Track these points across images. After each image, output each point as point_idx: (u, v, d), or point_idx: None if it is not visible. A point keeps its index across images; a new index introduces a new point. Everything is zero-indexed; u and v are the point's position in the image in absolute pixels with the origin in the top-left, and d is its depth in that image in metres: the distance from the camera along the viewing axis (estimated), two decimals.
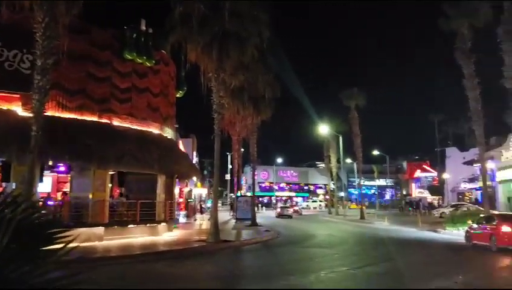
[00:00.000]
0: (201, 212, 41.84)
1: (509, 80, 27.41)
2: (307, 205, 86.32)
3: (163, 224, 24.43)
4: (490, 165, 44.82)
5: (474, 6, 28.65)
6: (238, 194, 50.12)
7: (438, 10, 30.36)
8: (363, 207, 50.48)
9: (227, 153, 57.20)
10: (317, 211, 73.46)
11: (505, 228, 18.15)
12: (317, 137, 60.91)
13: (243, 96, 30.23)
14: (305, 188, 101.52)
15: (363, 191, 73.22)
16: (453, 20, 29.38)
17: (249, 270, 14.67)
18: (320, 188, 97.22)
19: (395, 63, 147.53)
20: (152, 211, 23.27)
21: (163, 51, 25.45)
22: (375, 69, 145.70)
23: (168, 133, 26.49)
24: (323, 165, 72.69)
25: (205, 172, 60.55)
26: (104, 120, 21.78)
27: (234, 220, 38.12)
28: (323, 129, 56.41)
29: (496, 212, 30.28)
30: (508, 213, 27.54)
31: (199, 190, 56.69)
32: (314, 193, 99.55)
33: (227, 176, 61.57)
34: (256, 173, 40.33)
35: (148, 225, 22.96)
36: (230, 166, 59.95)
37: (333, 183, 66.61)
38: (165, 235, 23.66)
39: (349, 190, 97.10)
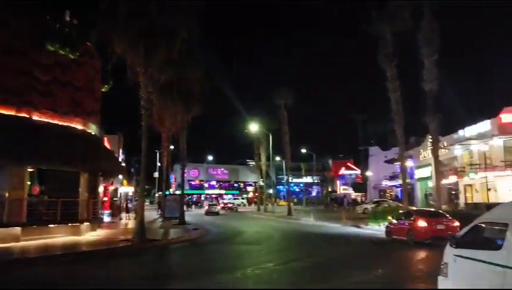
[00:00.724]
0: (128, 211, 40.52)
1: (427, 83, 28.99)
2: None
3: (86, 223, 23.47)
4: (409, 163, 47.50)
5: (396, 11, 29.93)
6: (167, 192, 49.22)
7: (364, 14, 31.43)
8: (291, 204, 51.63)
9: (156, 151, 56.05)
10: (246, 208, 73.88)
11: (421, 223, 19.23)
12: (248, 135, 61.39)
13: (172, 92, 29.58)
14: (236, 185, 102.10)
15: (291, 188, 74.90)
16: (376, 24, 30.55)
17: (175, 269, 14.42)
18: (250, 185, 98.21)
19: (324, 64, 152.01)
20: (74, 210, 22.35)
21: (88, 44, 24.36)
22: (305, 70, 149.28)
23: (93, 129, 25.41)
24: (253, 162, 73.42)
25: (132, 170, 58.78)
26: (22, 114, 20.49)
27: (162, 219, 37.42)
28: (254, 127, 56.98)
29: (414, 208, 32.13)
30: (425, 209, 29.32)
31: (126, 189, 55.04)
32: (244, 191, 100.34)
33: (156, 174, 60.39)
34: (186, 170, 39.84)
35: (70, 224, 22.03)
36: (159, 164, 58.76)
37: (262, 181, 67.48)
38: (88, 235, 22.75)
39: (278, 187, 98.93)
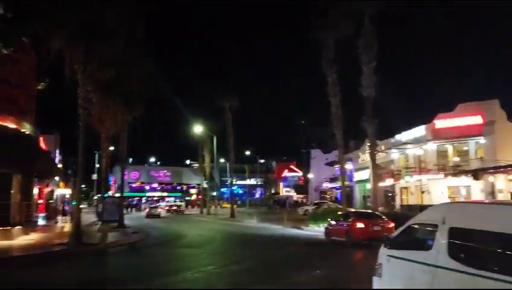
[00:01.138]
0: (64, 214, 38.91)
1: (366, 89, 30.01)
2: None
3: (18, 227, 22.28)
4: (349, 166, 48.96)
5: (338, 19, 30.74)
6: (106, 194, 47.69)
7: (307, 20, 32.00)
8: (234, 206, 51.67)
9: (95, 152, 54.23)
10: (189, 211, 72.97)
11: (359, 224, 19.84)
12: (192, 137, 60.84)
13: (112, 91, 28.70)
14: (178, 188, 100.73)
15: (235, 190, 74.90)
16: (319, 31, 31.23)
17: (111, 274, 13.95)
18: (194, 187, 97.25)
19: (269, 68, 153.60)
20: (6, 213, 21.30)
21: (23, 39, 23.13)
22: (251, 73, 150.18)
23: (27, 128, 24.14)
24: (197, 164, 72.81)
25: (69, 171, 56.45)
26: None
27: (100, 222, 36.22)
28: (198, 129, 56.56)
29: (352, 209, 33.09)
30: (362, 211, 30.26)
31: (62, 191, 52.74)
32: (187, 193, 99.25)
33: (94, 176, 58.35)
34: (126, 172, 38.81)
35: (0, 228, 20.73)
36: (98, 165, 56.84)
37: (206, 183, 67.04)
38: (20, 239, 21.59)
39: (222, 189, 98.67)
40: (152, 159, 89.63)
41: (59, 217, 39.28)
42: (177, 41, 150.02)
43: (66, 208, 45.10)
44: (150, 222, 41.87)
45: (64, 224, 34.38)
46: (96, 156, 54.80)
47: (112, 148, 46.22)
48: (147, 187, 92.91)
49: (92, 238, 23.49)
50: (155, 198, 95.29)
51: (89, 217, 43.01)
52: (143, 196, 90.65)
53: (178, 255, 18.52)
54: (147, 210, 56.32)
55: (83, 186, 53.52)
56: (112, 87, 28.08)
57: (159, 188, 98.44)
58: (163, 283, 11.73)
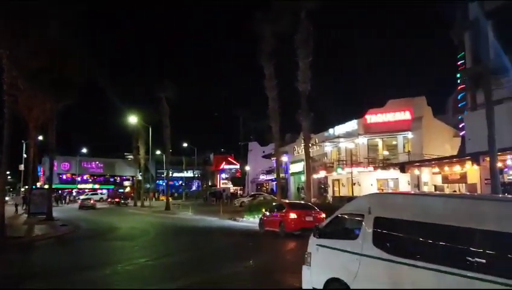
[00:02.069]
0: None
1: (301, 84, 30.54)
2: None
3: None
4: (284, 159, 49.72)
5: (277, 13, 30.95)
6: (34, 186, 45.30)
7: (247, 12, 32.04)
8: (170, 198, 50.94)
9: (23, 141, 51.33)
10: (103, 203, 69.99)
11: (292, 215, 20.26)
12: (127, 127, 59.10)
13: (41, 78, 27.19)
14: (112, 180, 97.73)
15: (172, 183, 73.86)
16: (257, 23, 31.32)
17: (36, 267, 13.26)
18: (128, 179, 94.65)
19: (208, 59, 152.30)
20: None
21: None
22: (189, 64, 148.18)
23: None
24: (131, 156, 70.87)
25: None
26: None
27: (27, 215, 34.42)
28: (133, 120, 55.03)
29: (287, 201, 33.68)
30: (296, 202, 30.90)
31: None
32: (121, 185, 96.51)
33: (22, 167, 55.24)
34: (55, 163, 37.04)
35: None
36: (25, 155, 53.81)
37: (141, 175, 65.52)
38: None
39: (158, 181, 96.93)
40: (84, 150, 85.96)
41: None
42: (113, 30, 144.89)
43: None
44: (81, 214, 40.36)
45: None
46: (24, 145, 51.87)
47: (40, 137, 44.00)
48: (78, 179, 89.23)
49: (17, 231, 22.49)
50: (86, 190, 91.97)
51: (14, 209, 40.88)
52: (74, 188, 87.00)
53: (109, 247, 17.99)
54: (79, 202, 54.25)
55: (9, 177, 50.59)
56: (40, 74, 26.60)
57: (90, 180, 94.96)
58: (92, 277, 11.36)
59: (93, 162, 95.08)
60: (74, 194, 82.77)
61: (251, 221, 28.27)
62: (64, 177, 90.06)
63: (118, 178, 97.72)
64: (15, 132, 21.00)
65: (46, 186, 42.07)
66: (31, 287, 10.66)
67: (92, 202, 53.07)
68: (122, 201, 63.88)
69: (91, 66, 33.37)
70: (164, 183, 77.99)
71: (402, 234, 6.15)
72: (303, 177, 43.69)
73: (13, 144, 21.34)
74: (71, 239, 21.34)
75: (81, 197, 61.67)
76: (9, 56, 19.29)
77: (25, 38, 19.52)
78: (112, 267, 12.73)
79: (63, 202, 70.10)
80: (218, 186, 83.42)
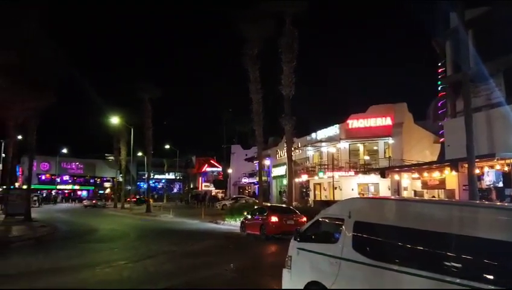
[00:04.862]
0: None
1: (285, 88, 30.65)
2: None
3: None
4: (267, 162, 49.89)
5: (261, 16, 31.00)
6: (12, 187, 44.53)
7: (232, 15, 31.84)
8: (151, 200, 50.59)
9: (1, 140, 50.37)
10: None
11: (273, 218, 20.30)
12: (108, 128, 58.47)
13: (20, 76, 26.73)
14: (92, 181, 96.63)
15: (153, 185, 73.24)
16: (243, 26, 31.36)
17: (12, 269, 12.99)
18: (108, 181, 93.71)
19: (190, 61, 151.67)
20: None
21: None
22: (171, 66, 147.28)
23: None
24: (112, 157, 70.21)
25: None
26: None
27: (4, 216, 33.81)
28: (115, 120, 54.46)
29: (268, 204, 33.74)
30: (277, 205, 30.98)
31: None
32: (101, 186, 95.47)
33: None
34: (35, 163, 36.46)
35: None
36: (3, 155, 52.81)
37: (121, 176, 64.90)
38: None
39: (139, 183, 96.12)
40: (64, 150, 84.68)
41: None
42: (95, 28, 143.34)
43: None
44: (60, 216, 39.80)
45: None
46: (2, 144, 50.92)
47: (20, 137, 43.27)
48: (58, 179, 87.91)
49: None
50: (66, 191, 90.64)
51: None
52: (53, 189, 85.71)
53: (88, 249, 17.74)
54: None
55: None
56: (17, 72, 26.15)
57: (70, 181, 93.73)
58: (70, 279, 11.21)
59: (73, 163, 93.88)
60: (53, 194, 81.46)
61: (233, 224, 28.24)
62: (43, 177, 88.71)
63: (99, 179, 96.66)
64: None
65: (25, 187, 41.44)
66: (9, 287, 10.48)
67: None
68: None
69: (71, 65, 33.00)
70: (145, 185, 77.37)
71: (381, 238, 6.22)
72: (285, 181, 43.87)
73: None
74: (50, 241, 21.03)
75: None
76: None
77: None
78: (91, 269, 12.59)
79: (53, 202, 70.40)
80: (200, 189, 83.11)
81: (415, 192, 29.49)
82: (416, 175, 27.36)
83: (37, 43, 25.12)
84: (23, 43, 21.66)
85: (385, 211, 6.56)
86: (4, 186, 47.90)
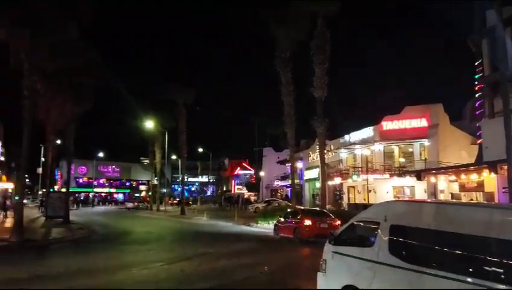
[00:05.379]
0: (5, 209, 37.15)
1: (317, 90, 30.53)
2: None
3: None
4: (299, 165, 49.69)
5: (294, 19, 30.98)
6: (51, 189, 46.00)
7: (264, 18, 31.92)
8: (189, 202, 51.18)
9: (41, 145, 52.16)
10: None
11: (307, 221, 20.26)
12: (143, 132, 59.58)
13: (60, 82, 27.71)
14: (128, 184, 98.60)
15: (187, 187, 74.11)
16: (273, 28, 31.45)
17: (54, 270, 13.44)
18: (144, 184, 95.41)
19: (224, 65, 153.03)
20: None
21: None
22: (206, 69, 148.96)
23: None
24: (147, 160, 71.48)
25: (13, 164, 53.99)
26: None
27: (44, 218, 34.95)
28: (150, 124, 55.48)
29: (301, 207, 33.62)
30: (311, 208, 30.86)
31: (5, 185, 50.43)
32: (136, 189, 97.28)
33: (40, 170, 56.12)
34: (73, 167, 37.57)
35: None
36: (43, 159, 54.69)
37: (156, 179, 66.00)
38: None
39: (173, 185, 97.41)
40: (101, 154, 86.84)
41: (0, 212, 37.53)
42: (132, 35, 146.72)
43: (8, 202, 43.04)
44: (97, 218, 40.78)
45: (5, 219, 32.96)
46: (42, 149, 52.74)
47: (58, 141, 44.70)
48: (95, 183, 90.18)
49: (35, 234, 22.80)
50: (103, 194, 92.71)
51: (32, 212, 41.48)
52: (90, 192, 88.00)
53: (124, 251, 18.15)
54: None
55: (27, 180, 51.45)
56: (59, 78, 27.14)
57: (107, 184, 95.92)
58: (107, 280, 11.50)
59: (110, 166, 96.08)
60: (91, 197, 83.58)
61: (266, 227, 28.30)
62: (81, 180, 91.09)
63: (134, 182, 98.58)
64: (34, 135, 21.32)
65: (63, 190, 42.75)
66: (49, 287, 10.83)
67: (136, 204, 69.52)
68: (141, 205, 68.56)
69: (108, 69, 33.83)
70: (179, 188, 78.43)
71: (418, 242, 6.14)
72: (318, 184, 43.58)
73: (32, 147, 21.66)
74: (87, 242, 21.59)
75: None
76: (29, 61, 19.64)
77: (43, 41, 19.84)
78: (128, 270, 12.89)
79: (92, 204, 72.65)
80: (232, 192, 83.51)
81: (452, 195, 28.79)
82: (453, 177, 26.73)
83: (76, 49, 25.97)
84: (64, 50, 22.39)
85: (422, 214, 6.46)
86: (44, 190, 49.58)
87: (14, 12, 18.14)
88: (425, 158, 33.72)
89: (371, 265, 6.54)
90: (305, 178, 52.95)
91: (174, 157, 69.78)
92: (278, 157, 64.71)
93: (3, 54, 20.30)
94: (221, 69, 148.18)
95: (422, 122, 35.90)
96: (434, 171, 28.00)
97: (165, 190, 75.21)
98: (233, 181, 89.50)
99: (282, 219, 23.27)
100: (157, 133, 58.43)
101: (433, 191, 31.02)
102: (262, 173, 69.90)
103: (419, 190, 33.74)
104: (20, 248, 18.12)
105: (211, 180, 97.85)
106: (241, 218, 35.74)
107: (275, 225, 23.86)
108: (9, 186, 52.52)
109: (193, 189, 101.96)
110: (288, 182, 53.45)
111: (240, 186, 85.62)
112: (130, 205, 70.70)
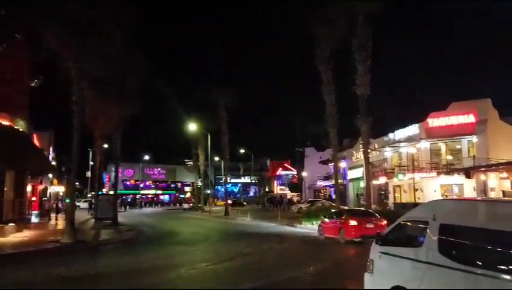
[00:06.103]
0: (58, 211, 38.83)
1: (360, 87, 30.06)
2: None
3: (11, 224, 22.26)
4: (342, 164, 49.11)
5: (334, 17, 30.61)
6: (100, 192, 47.60)
7: (303, 18, 31.77)
8: (242, 202, 51.55)
9: (89, 149, 54.08)
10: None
11: (352, 222, 19.99)
12: (187, 134, 60.65)
13: (107, 88, 28.59)
14: (173, 185, 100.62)
15: (229, 188, 74.81)
16: (313, 27, 31.21)
17: (106, 270, 13.93)
18: (188, 185, 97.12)
19: (264, 66, 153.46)
20: None
21: (16, 35, 23.02)
22: (245, 70, 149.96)
23: (20, 125, 23.99)
24: (191, 162, 72.75)
25: (63, 169, 56.29)
26: None
27: (94, 220, 36.21)
28: (192, 127, 56.39)
29: (346, 207, 33.20)
30: (356, 208, 30.43)
31: (56, 188, 52.71)
32: (181, 191, 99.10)
33: (88, 173, 58.17)
34: (120, 170, 38.75)
35: None
36: (91, 162, 56.69)
37: (200, 181, 66.98)
38: (13, 236, 21.58)
39: (217, 187, 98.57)
40: (146, 157, 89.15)
41: (52, 215, 39.21)
42: (172, 38, 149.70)
43: (60, 205, 44.97)
44: (144, 220, 41.87)
45: (57, 221, 34.35)
46: (90, 153, 54.66)
47: (106, 145, 46.20)
48: (141, 185, 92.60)
49: (86, 235, 23.57)
50: (149, 196, 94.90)
51: (83, 214, 43.00)
52: (137, 194, 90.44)
53: (172, 252, 18.51)
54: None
55: (77, 183, 53.42)
56: (106, 84, 27.97)
57: (153, 186, 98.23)
58: (156, 280, 11.78)
59: (156, 169, 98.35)
60: (138, 199, 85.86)
61: (309, 227, 28.15)
62: (128, 183, 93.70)
63: (179, 184, 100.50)
64: (82, 140, 22.12)
65: (111, 192, 44.13)
66: (100, 287, 11.25)
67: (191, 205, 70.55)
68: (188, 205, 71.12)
69: (153, 75, 34.58)
70: (223, 189, 79.28)
71: (469, 241, 5.94)
72: (362, 183, 42.95)
73: (80, 152, 22.51)
74: (136, 243, 22.14)
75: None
76: (77, 69, 20.38)
77: (91, 50, 20.53)
78: (176, 271, 13.14)
79: (139, 206, 74.89)
80: (275, 192, 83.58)
81: (504, 193, 27.66)
82: (504, 175, 25.67)
83: (124, 55, 26.76)
84: (111, 56, 23.10)
85: (473, 212, 6.25)
86: (93, 193, 51.38)
87: (63, 22, 18.86)
88: (474, 155, 32.54)
89: (420, 265, 6.39)
90: (348, 178, 52.29)
91: (216, 158, 70.63)
92: (320, 157, 64.21)
93: (52, 63, 21.17)
94: (262, 70, 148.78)
95: (470, 118, 34.71)
96: (484, 169, 26.97)
97: (208, 191, 76.29)
98: (275, 182, 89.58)
99: (326, 219, 23.07)
100: (200, 135, 59.28)
101: (483, 189, 29.90)
102: (304, 173, 69.59)
103: (468, 188, 32.61)
104: (73, 249, 18.77)
105: (253, 181, 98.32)
106: (285, 218, 35.69)
107: (319, 225, 23.70)
108: (61, 189, 54.81)
109: (236, 190, 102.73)
110: (331, 182, 52.93)
111: (282, 187, 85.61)
112: (186, 205, 73.28)
